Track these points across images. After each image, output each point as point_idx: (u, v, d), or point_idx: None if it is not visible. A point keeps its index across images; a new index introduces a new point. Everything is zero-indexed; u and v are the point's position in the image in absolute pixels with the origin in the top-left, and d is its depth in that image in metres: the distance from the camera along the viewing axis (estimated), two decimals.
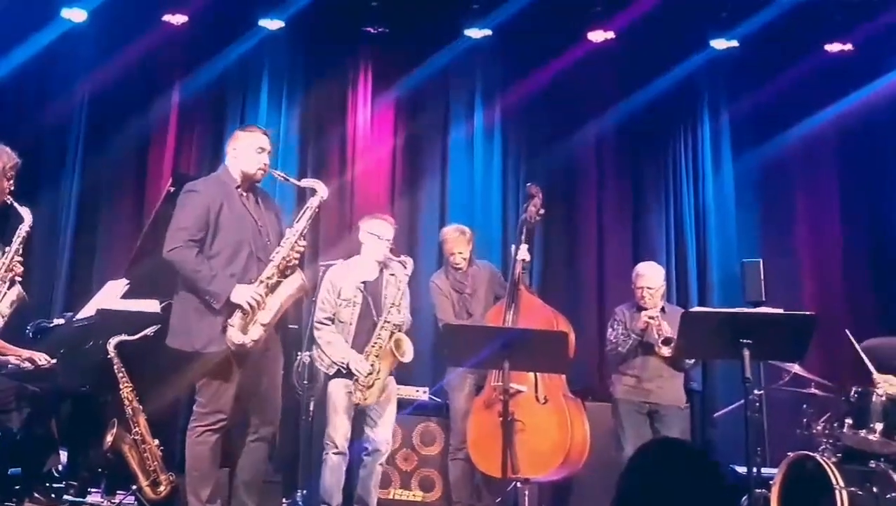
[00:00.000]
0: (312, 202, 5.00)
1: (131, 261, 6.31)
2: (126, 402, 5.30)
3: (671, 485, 2.21)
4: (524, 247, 6.12)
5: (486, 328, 5.83)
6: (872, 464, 5.56)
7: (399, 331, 5.72)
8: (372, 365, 5.60)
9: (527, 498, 5.66)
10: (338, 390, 5.67)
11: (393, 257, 5.87)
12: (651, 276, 6.36)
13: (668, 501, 2.19)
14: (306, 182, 5.21)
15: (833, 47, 8.21)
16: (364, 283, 5.77)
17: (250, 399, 4.98)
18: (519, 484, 5.69)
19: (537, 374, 5.82)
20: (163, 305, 5.59)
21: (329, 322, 5.72)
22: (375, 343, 5.65)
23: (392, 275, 5.85)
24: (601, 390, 6.74)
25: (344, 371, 5.63)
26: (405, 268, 5.84)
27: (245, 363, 4.85)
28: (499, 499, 6.05)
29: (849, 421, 5.64)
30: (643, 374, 6.20)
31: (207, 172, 5.20)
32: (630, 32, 8.13)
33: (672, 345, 5.94)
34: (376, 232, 5.83)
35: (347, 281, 5.77)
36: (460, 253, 6.54)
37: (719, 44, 8.18)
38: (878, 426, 5.55)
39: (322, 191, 5.03)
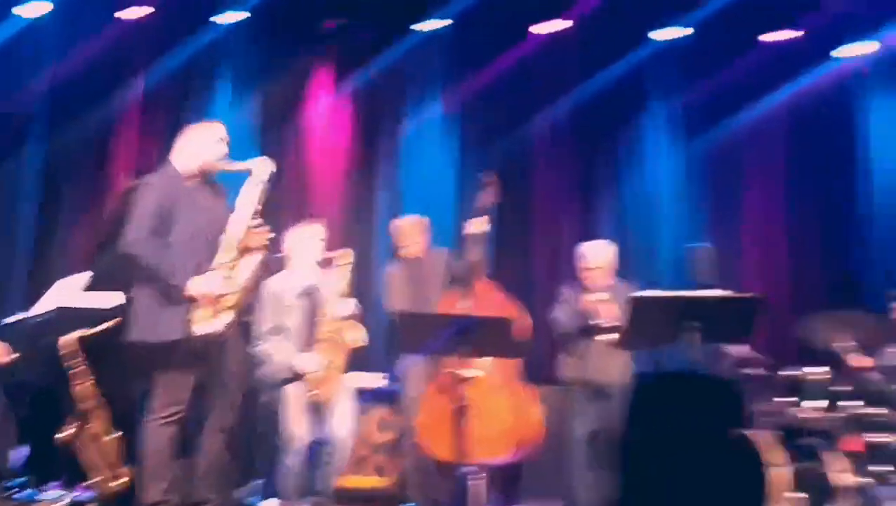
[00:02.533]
0: (258, 178, 4.89)
1: (94, 254, 6.19)
2: (85, 396, 5.18)
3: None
4: (481, 218, 5.99)
5: (439, 316, 5.74)
6: (810, 440, 5.57)
7: (346, 320, 5.63)
8: (320, 359, 5.51)
9: (480, 482, 5.59)
10: (294, 390, 5.53)
11: (329, 254, 5.75)
12: (592, 256, 6.22)
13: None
14: (248, 163, 5.01)
15: (779, 35, 8.19)
16: (304, 287, 5.65)
17: (208, 390, 4.89)
18: (472, 468, 5.62)
19: (491, 359, 5.75)
20: (127, 297, 5.48)
21: (275, 332, 5.59)
22: (322, 340, 5.55)
23: (330, 273, 5.71)
24: (553, 374, 6.65)
25: (296, 374, 5.52)
26: (346, 260, 5.71)
27: (204, 354, 4.76)
28: (452, 484, 5.98)
29: (788, 399, 5.65)
30: (589, 354, 6.05)
31: None
32: (583, 21, 8.09)
33: (615, 335, 5.83)
34: (306, 236, 5.74)
35: (287, 288, 5.64)
36: (416, 244, 6.45)
37: (669, 32, 8.14)
38: (817, 403, 5.57)
39: (266, 167, 4.92)
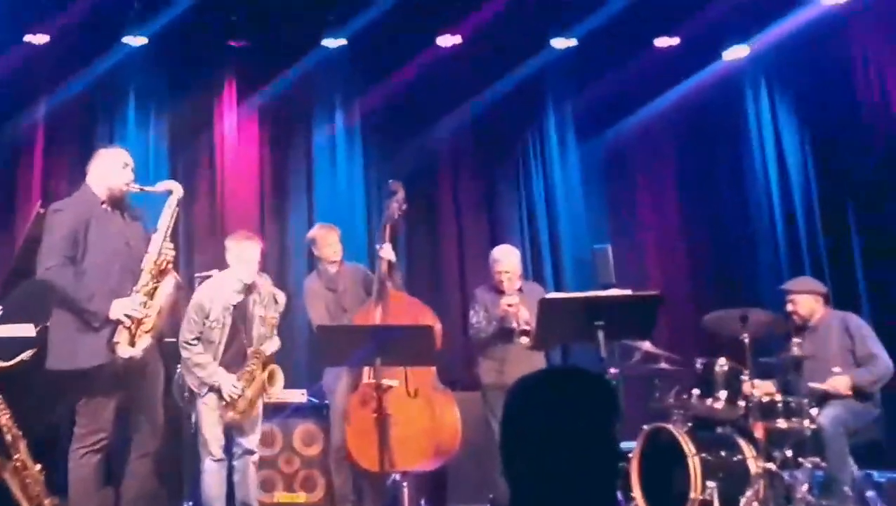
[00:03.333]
0: (171, 202, 4.85)
1: (3, 285, 5.94)
2: (5, 429, 4.94)
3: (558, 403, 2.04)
4: (387, 246, 5.97)
5: (357, 327, 5.71)
6: (719, 430, 5.70)
7: (272, 362, 5.56)
8: (243, 389, 5.41)
9: (406, 490, 5.56)
10: (209, 402, 5.43)
11: (262, 279, 5.65)
12: (506, 259, 6.21)
13: (554, 418, 2.02)
14: (160, 185, 4.98)
15: (661, 42, 8.32)
16: (233, 305, 5.52)
17: (131, 415, 4.77)
18: (397, 477, 5.59)
19: (406, 368, 5.70)
20: (38, 328, 5.27)
21: (196, 342, 5.46)
22: (247, 370, 5.46)
23: (258, 294, 5.59)
24: (469, 379, 6.61)
25: (216, 388, 5.42)
26: (277, 303, 5.65)
27: (125, 379, 4.63)
28: (382, 492, 5.92)
29: (696, 391, 5.75)
30: (506, 357, 6.03)
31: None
32: (477, 36, 8.06)
33: (530, 336, 5.86)
34: (244, 256, 5.54)
35: (216, 302, 5.49)
36: (331, 247, 6.30)
37: (559, 43, 8.19)
38: (723, 394, 5.68)
39: (177, 190, 4.88)
